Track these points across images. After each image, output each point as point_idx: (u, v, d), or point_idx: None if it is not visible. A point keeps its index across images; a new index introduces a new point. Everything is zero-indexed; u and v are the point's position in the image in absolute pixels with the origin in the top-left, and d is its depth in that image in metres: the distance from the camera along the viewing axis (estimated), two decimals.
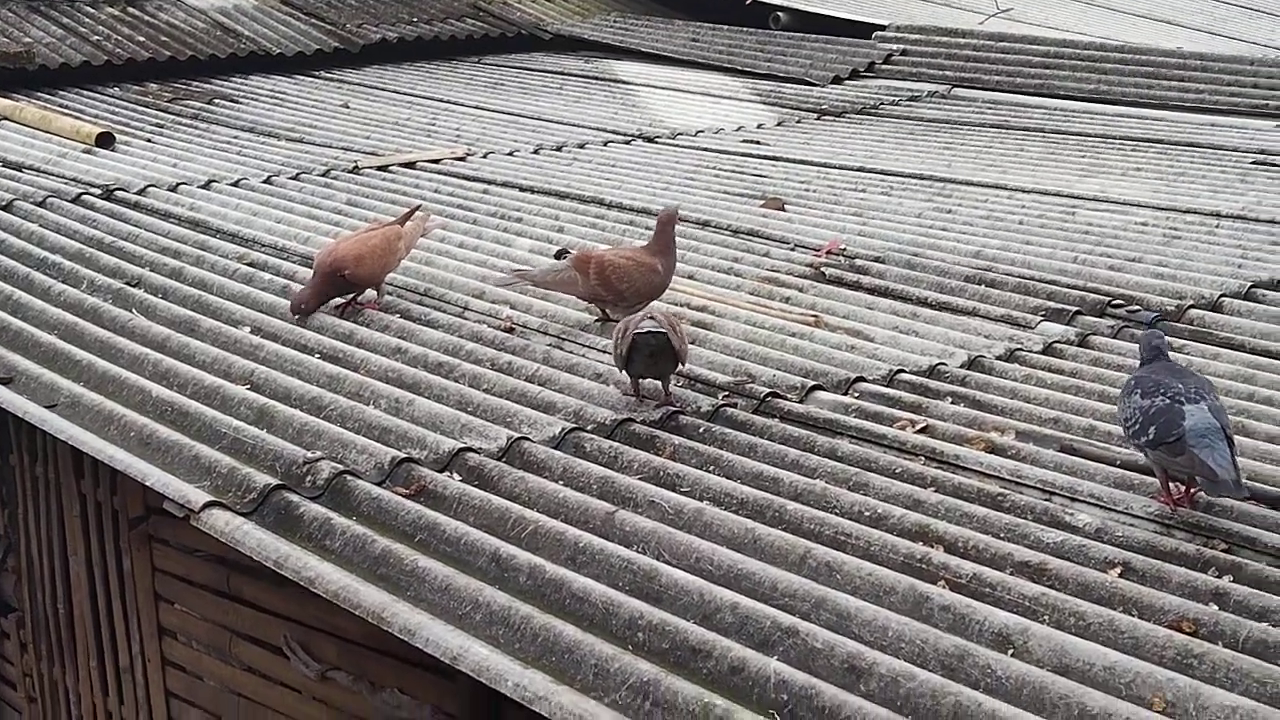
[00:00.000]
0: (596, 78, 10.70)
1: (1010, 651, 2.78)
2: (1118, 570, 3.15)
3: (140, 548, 5.29)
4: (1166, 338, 3.84)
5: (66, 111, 8.74)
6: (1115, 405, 4.05)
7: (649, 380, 4.17)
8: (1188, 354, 4.64)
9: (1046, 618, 2.92)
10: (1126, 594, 3.02)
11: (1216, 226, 6.22)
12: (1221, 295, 5.16)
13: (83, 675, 5.78)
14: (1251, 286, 5.25)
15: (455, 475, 3.63)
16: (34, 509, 5.79)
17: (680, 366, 4.14)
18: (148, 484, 3.54)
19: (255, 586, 4.80)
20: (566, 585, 3.00)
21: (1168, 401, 3.37)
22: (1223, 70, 9.55)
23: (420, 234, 5.34)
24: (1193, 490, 3.46)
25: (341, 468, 3.58)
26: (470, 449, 3.74)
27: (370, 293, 5.05)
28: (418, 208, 5.53)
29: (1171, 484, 3.50)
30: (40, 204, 6.47)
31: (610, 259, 4.74)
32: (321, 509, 3.39)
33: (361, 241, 5.01)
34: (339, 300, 5.00)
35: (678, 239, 4.94)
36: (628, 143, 8.37)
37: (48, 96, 9.30)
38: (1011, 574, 3.11)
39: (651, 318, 4.03)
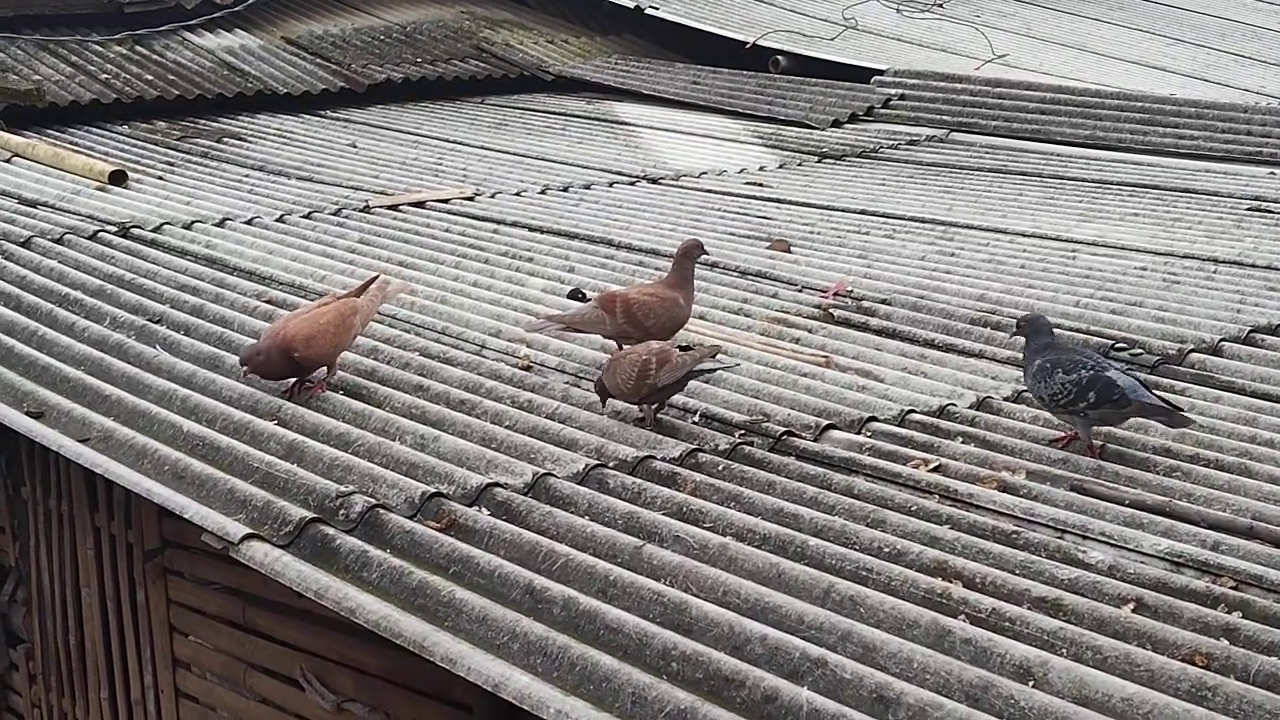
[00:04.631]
0: (599, 119, 10.79)
1: (1031, 683, 2.87)
2: (1131, 606, 3.24)
3: (155, 580, 5.35)
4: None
5: (78, 149, 8.79)
6: (1030, 387, 4.35)
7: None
8: (1190, 397, 4.73)
9: (1065, 651, 3.01)
10: (1141, 629, 3.12)
11: (1215, 272, 6.32)
12: (1221, 339, 5.25)
13: (93, 707, 5.81)
14: (1251, 331, 5.35)
15: (484, 510, 3.72)
16: (46, 541, 5.84)
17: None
18: (185, 516, 3.62)
19: (270, 618, 4.86)
20: (600, 617, 3.09)
21: (1091, 373, 4.16)
22: (1217, 117, 9.66)
23: (381, 302, 4.99)
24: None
25: (374, 502, 3.66)
26: (497, 484, 3.82)
27: (321, 371, 4.63)
28: (376, 278, 5.04)
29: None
30: (58, 241, 6.53)
31: (635, 298, 4.88)
32: (357, 542, 3.47)
33: (313, 320, 4.57)
34: (290, 381, 4.59)
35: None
36: (632, 184, 8.45)
37: (58, 134, 9.36)
38: (1029, 609, 3.20)
39: (688, 348, 4.39)
